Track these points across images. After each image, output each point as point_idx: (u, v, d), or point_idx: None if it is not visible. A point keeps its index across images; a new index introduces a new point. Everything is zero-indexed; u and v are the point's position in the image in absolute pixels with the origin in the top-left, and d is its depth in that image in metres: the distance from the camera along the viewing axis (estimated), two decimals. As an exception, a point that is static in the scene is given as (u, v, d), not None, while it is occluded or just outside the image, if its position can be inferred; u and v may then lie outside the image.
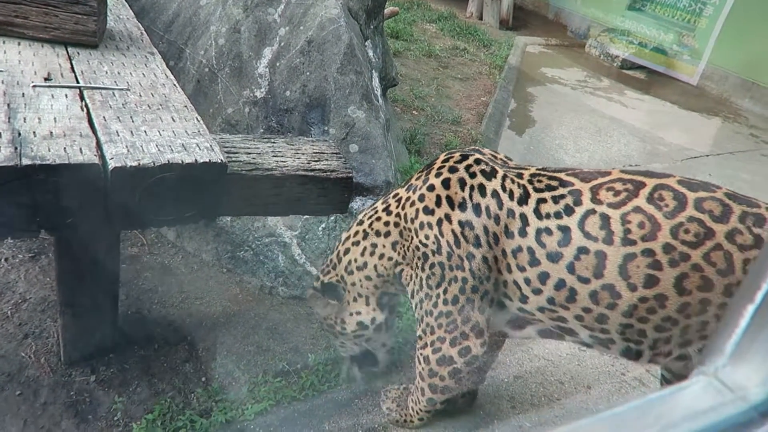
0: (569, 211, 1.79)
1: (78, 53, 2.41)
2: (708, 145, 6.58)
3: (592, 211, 1.75)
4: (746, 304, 0.49)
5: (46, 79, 2.11)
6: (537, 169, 1.97)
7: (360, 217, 2.36)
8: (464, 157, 2.07)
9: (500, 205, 1.90)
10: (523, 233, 1.85)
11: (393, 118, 4.53)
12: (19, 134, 1.74)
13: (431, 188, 2.04)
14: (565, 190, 1.82)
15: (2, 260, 2.91)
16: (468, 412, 2.54)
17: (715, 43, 8.51)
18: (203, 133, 2.05)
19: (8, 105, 1.88)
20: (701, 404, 0.44)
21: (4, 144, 1.67)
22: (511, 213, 1.88)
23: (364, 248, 2.26)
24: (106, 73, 2.30)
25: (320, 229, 3.16)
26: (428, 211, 2.01)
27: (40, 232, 1.75)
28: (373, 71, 3.91)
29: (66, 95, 2.05)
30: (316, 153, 2.52)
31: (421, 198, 2.05)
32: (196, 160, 1.87)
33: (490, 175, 1.97)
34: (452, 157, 2.10)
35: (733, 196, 1.74)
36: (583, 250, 1.75)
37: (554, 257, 1.80)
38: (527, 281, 1.88)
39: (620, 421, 0.44)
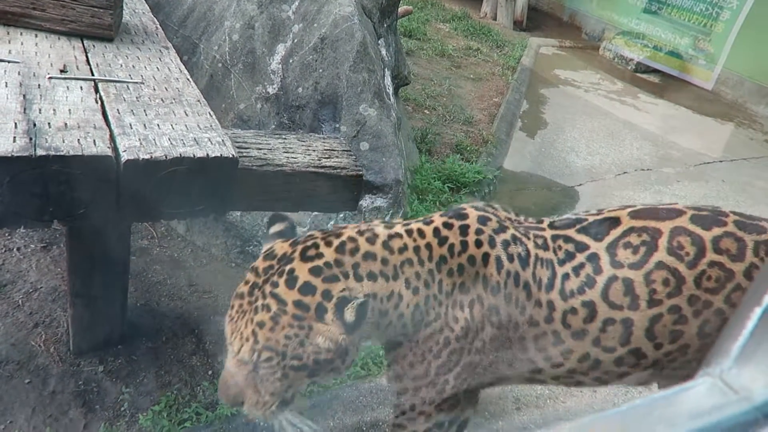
0: (591, 282, 1.65)
1: (93, 46, 2.43)
2: (721, 150, 6.53)
3: (614, 278, 1.65)
4: (753, 306, 0.49)
5: (61, 71, 2.13)
6: (551, 228, 1.76)
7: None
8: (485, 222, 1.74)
9: (529, 295, 1.69)
10: (549, 320, 1.68)
11: (404, 117, 4.53)
12: (34, 125, 1.76)
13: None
14: (583, 257, 1.68)
15: (14, 250, 2.95)
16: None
17: (731, 48, 8.43)
18: (215, 128, 2.07)
19: (24, 96, 1.90)
20: (705, 404, 0.44)
21: (20, 134, 1.69)
22: (538, 303, 1.69)
23: None
24: (121, 66, 2.32)
25: (329, 225, 3.16)
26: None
27: (53, 222, 1.77)
28: (386, 69, 3.91)
29: (81, 87, 2.07)
30: (327, 150, 2.53)
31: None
32: (207, 154, 1.88)
33: (524, 257, 1.71)
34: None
35: (743, 225, 1.70)
36: (609, 322, 1.65)
37: (580, 335, 1.68)
38: (547, 359, 1.73)
39: (625, 419, 0.44)
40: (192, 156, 1.85)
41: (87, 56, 2.33)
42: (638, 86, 8.23)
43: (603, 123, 6.49)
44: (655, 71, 8.92)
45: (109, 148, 1.76)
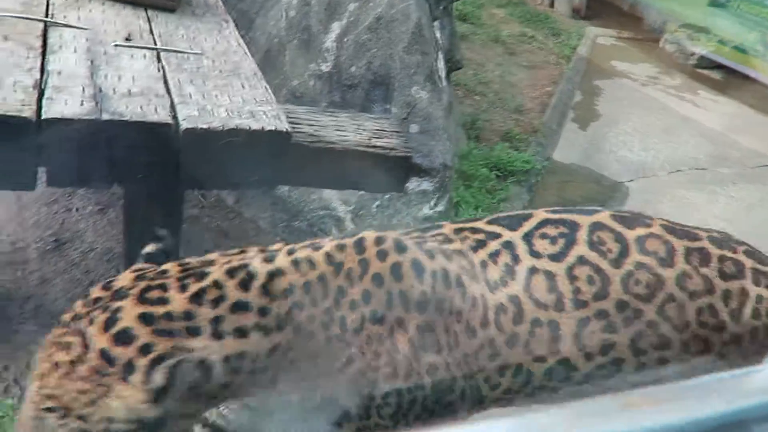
0: (511, 272, 1.41)
1: (157, 16, 2.49)
2: (785, 153, 6.24)
3: (535, 270, 1.41)
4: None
5: (126, 39, 2.19)
6: (453, 223, 1.54)
7: None
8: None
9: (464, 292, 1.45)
10: (485, 323, 1.42)
11: (454, 102, 4.49)
12: (100, 90, 1.82)
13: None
14: (497, 244, 1.44)
15: (73, 210, 3.07)
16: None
17: (802, 46, 8.01)
18: (271, 102, 2.10)
19: (91, 62, 1.97)
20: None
21: (87, 98, 1.75)
22: (474, 302, 1.43)
23: None
24: (182, 37, 2.38)
25: (374, 206, 3.18)
26: None
27: (113, 184, 1.83)
28: (439, 52, 3.88)
29: (144, 56, 2.13)
30: (378, 130, 2.54)
31: None
32: (263, 127, 1.91)
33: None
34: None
35: (671, 229, 1.50)
36: (536, 324, 1.40)
37: (512, 342, 1.41)
38: (486, 380, 1.46)
39: (694, 392, 0.44)
40: (248, 128, 1.89)
41: (150, 26, 2.39)
42: (699, 82, 7.91)
43: (659, 118, 6.28)
44: (718, 67, 8.54)
45: (169, 116, 1.81)
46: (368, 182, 2.43)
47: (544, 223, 1.47)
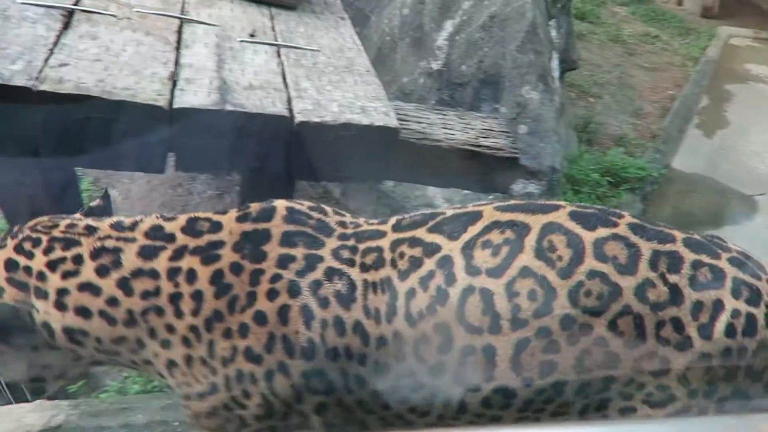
0: (443, 298, 1.25)
1: (279, 13, 2.61)
2: None
3: (471, 290, 1.24)
4: None
5: (251, 36, 2.32)
6: (395, 231, 1.32)
7: None
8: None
9: (366, 339, 1.29)
10: (401, 358, 1.28)
11: (567, 103, 4.34)
12: (225, 83, 1.95)
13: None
14: (433, 263, 1.26)
15: (194, 194, 3.31)
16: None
17: None
18: (381, 98, 2.14)
19: (219, 56, 2.11)
20: None
21: (213, 90, 1.88)
22: (382, 340, 1.28)
23: None
24: (301, 33, 2.48)
25: (477, 206, 3.16)
26: None
27: (232, 171, 1.95)
28: (554, 52, 3.76)
29: (266, 51, 2.25)
30: (485, 129, 2.51)
31: None
32: (372, 122, 1.95)
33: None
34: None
35: (640, 228, 1.28)
36: (468, 351, 1.26)
37: (438, 372, 1.27)
38: (412, 411, 1.35)
39: None
40: (358, 123, 1.93)
41: (273, 23, 2.51)
42: None
43: (799, 128, 5.70)
44: None
45: (286, 109, 1.90)
46: (473, 181, 2.41)
47: (491, 227, 1.28)
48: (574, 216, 1.28)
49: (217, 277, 1.24)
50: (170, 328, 1.25)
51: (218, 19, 2.39)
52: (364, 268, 1.28)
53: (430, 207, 3.22)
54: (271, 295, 1.23)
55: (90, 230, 1.30)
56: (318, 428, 1.33)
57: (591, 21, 7.16)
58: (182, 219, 1.34)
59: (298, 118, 1.87)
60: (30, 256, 1.26)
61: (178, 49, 2.07)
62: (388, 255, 1.28)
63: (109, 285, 1.24)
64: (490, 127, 2.53)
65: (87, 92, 1.66)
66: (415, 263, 1.26)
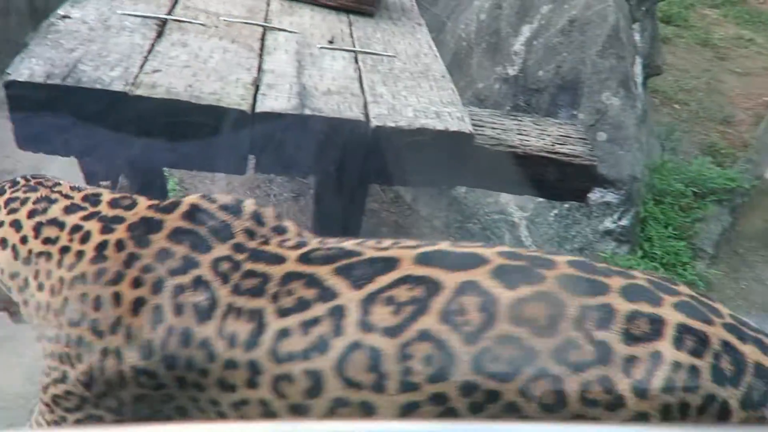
0: (324, 347, 1.16)
1: (357, 20, 2.66)
2: None
3: (357, 346, 1.15)
4: None
5: (330, 42, 2.38)
6: (301, 262, 1.22)
7: None
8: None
9: (211, 356, 1.23)
10: (253, 384, 1.22)
11: (650, 110, 4.16)
12: (304, 88, 2.00)
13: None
14: (324, 309, 1.16)
15: (272, 196, 3.42)
16: None
17: None
18: (456, 104, 2.13)
19: (299, 62, 2.17)
20: None
21: (293, 95, 1.94)
22: (232, 364, 1.21)
23: None
24: (378, 39, 2.51)
25: (552, 214, 3.08)
26: None
27: (308, 174, 2.01)
28: (637, 57, 3.62)
29: (344, 57, 2.30)
30: (562, 136, 2.45)
31: None
32: (447, 127, 1.95)
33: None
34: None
35: (572, 280, 1.15)
36: (341, 403, 1.18)
37: (302, 410, 1.22)
38: None
39: None
40: (432, 128, 1.94)
41: (351, 30, 2.56)
42: None
43: None
44: None
45: (362, 113, 1.93)
46: (548, 189, 2.36)
47: (402, 281, 1.16)
48: (497, 273, 1.16)
49: (101, 246, 1.27)
50: (48, 274, 1.32)
51: (299, 26, 2.47)
52: (237, 290, 1.20)
53: (503, 214, 3.17)
54: (136, 282, 1.23)
55: (54, 186, 1.41)
56: (128, 414, 1.31)
57: (678, 24, 6.83)
58: (119, 194, 1.42)
59: (374, 122, 1.89)
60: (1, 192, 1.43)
61: (261, 55, 2.16)
62: (272, 287, 1.19)
63: (29, 225, 1.35)
64: (567, 133, 2.47)
65: (177, 97, 1.76)
66: (303, 306, 1.17)
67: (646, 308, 1.12)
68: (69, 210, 1.36)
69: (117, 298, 1.24)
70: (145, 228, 1.28)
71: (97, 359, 1.26)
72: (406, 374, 1.12)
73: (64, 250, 1.31)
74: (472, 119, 2.29)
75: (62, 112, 1.72)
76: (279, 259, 1.22)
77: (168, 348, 1.21)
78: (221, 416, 1.25)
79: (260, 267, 1.21)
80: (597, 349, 1.10)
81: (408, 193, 3.55)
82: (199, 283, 1.21)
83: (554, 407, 1.11)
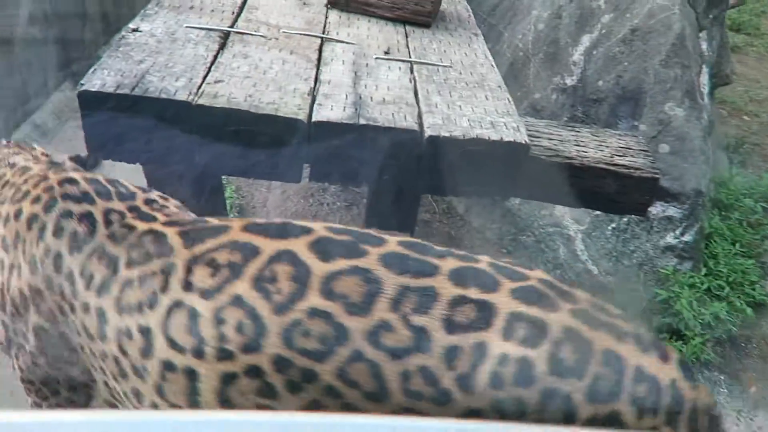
0: (154, 302, 1.17)
1: (413, 31, 2.68)
2: None
3: (179, 304, 1.15)
4: None
5: (385, 53, 2.40)
6: (171, 225, 1.27)
7: None
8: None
9: (75, 292, 1.27)
10: (102, 336, 1.23)
11: (717, 121, 3.99)
12: (360, 98, 2.03)
13: None
14: (157, 265, 1.19)
15: (325, 204, 3.47)
16: None
17: None
18: (512, 114, 2.11)
19: (355, 73, 2.20)
20: None
21: (348, 105, 1.96)
22: (86, 307, 1.25)
23: None
24: (434, 50, 2.52)
25: (609, 228, 2.99)
26: None
27: (361, 183, 2.02)
28: (704, 66, 3.49)
29: (399, 68, 2.31)
30: (622, 147, 2.38)
31: None
32: (501, 138, 1.93)
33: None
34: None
35: (398, 258, 1.07)
36: (169, 367, 1.15)
37: (141, 373, 1.20)
38: (115, 389, 1.31)
39: None
40: (487, 138, 1.92)
41: (407, 40, 2.58)
42: None
43: None
44: None
45: (416, 123, 1.94)
46: (606, 202, 2.29)
47: (225, 246, 1.17)
48: (317, 244, 1.12)
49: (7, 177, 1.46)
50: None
51: (356, 37, 2.50)
52: (111, 236, 1.27)
53: (558, 227, 3.10)
54: (35, 199, 1.35)
55: (32, 150, 1.60)
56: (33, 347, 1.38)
57: (748, 33, 6.54)
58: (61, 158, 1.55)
59: (428, 132, 1.89)
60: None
61: (318, 66, 2.20)
62: (133, 239, 1.26)
63: None
64: (628, 145, 2.39)
65: (237, 106, 1.81)
66: (146, 259, 1.21)
67: (475, 294, 1.04)
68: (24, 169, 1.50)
69: (18, 213, 1.35)
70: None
71: (6, 276, 1.36)
72: (222, 340, 1.10)
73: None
74: (528, 130, 2.25)
75: (129, 121, 1.80)
76: (151, 219, 1.30)
77: (45, 268, 1.29)
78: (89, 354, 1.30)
79: (135, 221, 1.29)
80: (415, 336, 1.03)
81: (461, 204, 3.52)
82: (87, 217, 1.29)
83: (378, 396, 1.04)
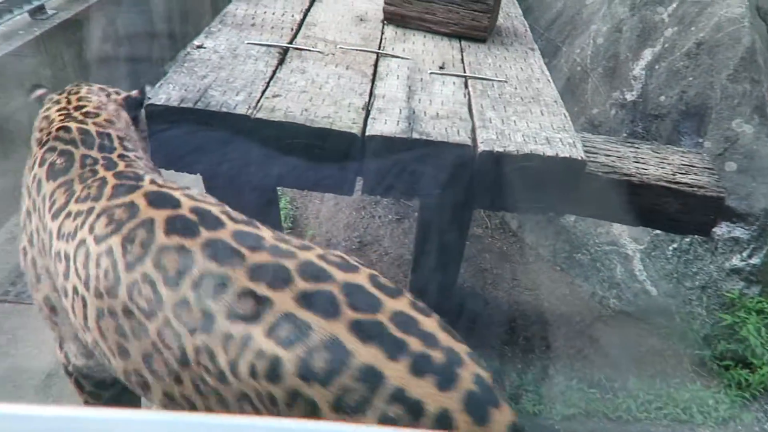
0: (74, 236, 1.37)
1: (468, 46, 2.68)
2: None
3: (83, 242, 1.34)
4: None
5: (440, 68, 2.41)
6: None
7: None
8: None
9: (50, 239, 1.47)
10: (66, 276, 1.43)
11: (789, 139, 3.79)
12: (414, 112, 2.04)
13: None
14: (87, 206, 1.38)
15: (376, 218, 3.49)
16: None
17: None
18: (568, 129, 2.07)
19: (409, 87, 2.22)
20: None
21: (402, 119, 1.98)
22: (59, 255, 1.43)
23: None
24: (489, 65, 2.51)
25: (671, 248, 2.88)
26: None
27: (413, 197, 2.03)
28: (775, 81, 3.32)
29: (454, 83, 2.31)
30: (685, 165, 2.30)
31: None
32: (557, 153, 1.90)
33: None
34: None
35: (209, 245, 1.22)
36: (75, 291, 1.37)
37: (61, 291, 1.43)
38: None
39: None
40: (542, 154, 1.89)
41: (462, 55, 2.58)
42: None
43: None
44: None
45: (469, 138, 1.93)
46: (668, 221, 2.21)
47: (123, 205, 1.34)
48: (171, 220, 1.28)
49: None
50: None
51: (411, 52, 2.53)
52: (80, 177, 1.47)
53: (615, 246, 3.01)
54: (39, 142, 1.60)
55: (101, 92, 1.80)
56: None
57: (825, 45, 6.19)
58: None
59: (481, 147, 1.88)
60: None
61: (373, 81, 2.23)
62: (91, 185, 1.43)
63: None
64: (691, 162, 2.31)
65: (293, 120, 1.86)
66: (86, 198, 1.40)
67: (264, 290, 1.13)
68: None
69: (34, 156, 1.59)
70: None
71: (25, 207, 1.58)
72: (97, 281, 1.31)
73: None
74: (585, 145, 2.21)
75: (191, 133, 1.88)
76: (113, 168, 1.48)
77: (32, 191, 1.53)
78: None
79: (100, 168, 1.48)
80: (202, 315, 1.15)
81: (514, 220, 3.47)
82: (66, 154, 1.50)
83: (183, 361, 1.19)
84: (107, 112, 1.68)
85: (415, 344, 1.06)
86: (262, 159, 1.90)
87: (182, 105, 1.85)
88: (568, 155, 1.91)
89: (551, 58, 3.79)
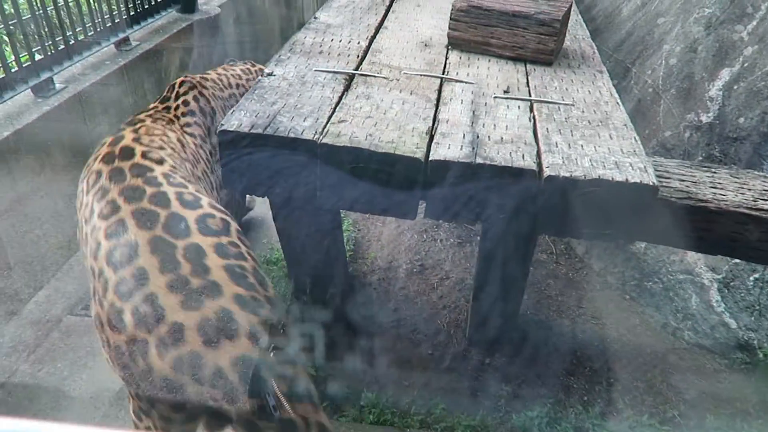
0: (90, 219, 1.71)
1: (534, 69, 2.65)
2: None
3: (94, 225, 1.67)
4: None
5: (505, 92, 2.40)
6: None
7: None
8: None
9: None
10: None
11: None
12: (477, 137, 2.03)
13: None
14: (102, 191, 1.78)
15: (438, 241, 3.47)
16: None
17: None
18: (638, 153, 2.01)
19: (473, 112, 2.22)
20: None
21: (465, 144, 1.97)
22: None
23: None
24: (555, 88, 2.47)
25: (751, 279, 2.71)
26: None
27: (476, 222, 2.01)
28: None
29: (518, 107, 2.29)
30: (767, 191, 2.17)
31: None
32: (626, 179, 1.84)
33: None
34: None
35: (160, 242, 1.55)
36: (94, 271, 1.61)
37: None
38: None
39: None
40: (610, 179, 1.84)
41: (527, 79, 2.56)
42: None
43: None
44: None
45: (534, 163, 1.90)
46: (748, 250, 2.10)
47: (118, 192, 1.69)
48: (139, 213, 1.61)
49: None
50: None
51: (475, 77, 2.53)
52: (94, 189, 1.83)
53: (689, 275, 2.87)
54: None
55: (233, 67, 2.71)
56: None
57: None
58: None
59: (547, 172, 1.85)
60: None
61: (437, 105, 2.24)
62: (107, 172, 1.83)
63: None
64: (774, 188, 2.18)
65: (358, 145, 1.89)
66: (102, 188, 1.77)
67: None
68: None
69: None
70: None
71: None
72: (107, 256, 1.59)
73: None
74: (657, 170, 2.13)
75: (261, 158, 1.94)
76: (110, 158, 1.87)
77: (89, 172, 1.88)
78: None
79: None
80: (154, 308, 1.38)
81: (580, 246, 3.37)
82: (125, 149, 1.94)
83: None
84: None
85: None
86: (327, 183, 1.94)
87: (252, 131, 1.92)
88: (638, 180, 1.84)
89: (621, 80, 3.69)
